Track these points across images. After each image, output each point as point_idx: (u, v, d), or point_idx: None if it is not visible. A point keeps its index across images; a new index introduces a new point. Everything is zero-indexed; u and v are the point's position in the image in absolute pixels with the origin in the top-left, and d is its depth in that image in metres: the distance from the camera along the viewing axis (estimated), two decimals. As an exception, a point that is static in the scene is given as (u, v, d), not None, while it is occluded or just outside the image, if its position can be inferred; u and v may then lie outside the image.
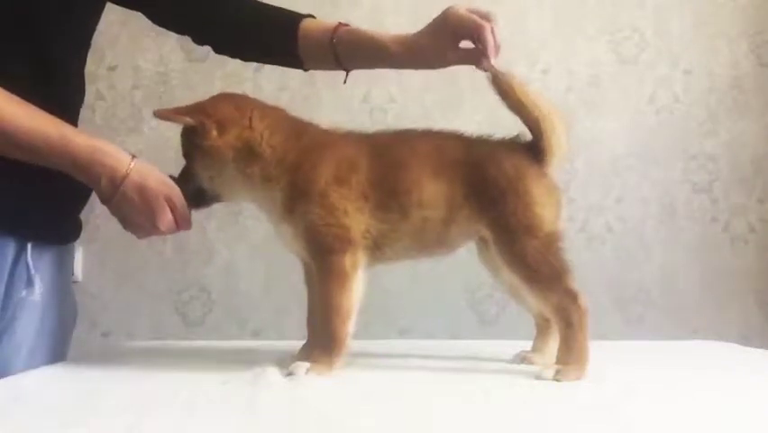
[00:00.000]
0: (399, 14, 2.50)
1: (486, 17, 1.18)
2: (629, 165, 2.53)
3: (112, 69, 2.47)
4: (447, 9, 1.21)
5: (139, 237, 1.21)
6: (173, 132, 2.64)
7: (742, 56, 2.56)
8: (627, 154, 2.53)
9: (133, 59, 2.48)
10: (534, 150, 1.14)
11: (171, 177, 1.17)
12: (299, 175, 1.10)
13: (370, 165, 1.12)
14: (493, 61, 1.16)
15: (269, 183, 1.12)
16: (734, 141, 2.56)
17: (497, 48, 1.16)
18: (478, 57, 1.17)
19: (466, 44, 1.20)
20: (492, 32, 1.16)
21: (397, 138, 1.18)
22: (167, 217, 1.14)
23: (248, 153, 1.11)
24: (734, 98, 2.56)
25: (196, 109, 1.13)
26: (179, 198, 1.15)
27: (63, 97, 1.22)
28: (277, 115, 1.16)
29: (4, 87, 1.09)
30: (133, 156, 1.14)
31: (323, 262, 1.10)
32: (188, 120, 1.12)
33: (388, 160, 1.13)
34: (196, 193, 1.17)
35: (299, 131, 1.15)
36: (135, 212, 1.13)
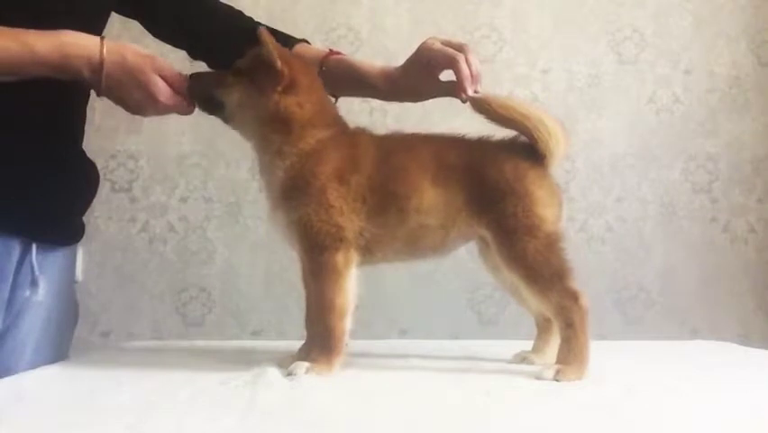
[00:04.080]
0: (399, 15, 2.50)
1: (459, 48, 1.18)
2: (629, 165, 2.53)
3: (112, 69, 2.47)
4: (421, 44, 1.22)
5: (147, 116, 1.20)
6: (173, 132, 2.65)
7: (742, 56, 2.56)
8: (627, 154, 2.53)
9: (133, 59, 2.48)
10: (534, 150, 1.14)
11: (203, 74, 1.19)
12: (305, 165, 1.10)
13: (373, 168, 1.12)
14: (471, 91, 1.16)
15: (277, 157, 1.12)
16: (734, 141, 2.56)
17: (474, 77, 1.16)
18: (456, 88, 1.17)
19: (450, 74, 1.19)
20: (467, 62, 1.16)
21: (401, 143, 1.18)
22: (162, 87, 1.13)
23: (281, 123, 1.11)
24: (734, 98, 2.56)
25: (289, 59, 1.12)
26: (165, 63, 1.15)
27: (69, 97, 1.23)
28: (326, 109, 1.16)
29: (9, 87, 1.10)
30: (102, 38, 1.12)
31: (315, 259, 1.10)
32: (278, 62, 1.09)
33: (390, 164, 1.13)
34: (209, 97, 1.15)
35: (326, 121, 1.15)
36: (129, 91, 1.13)
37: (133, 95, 1.13)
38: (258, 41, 1.10)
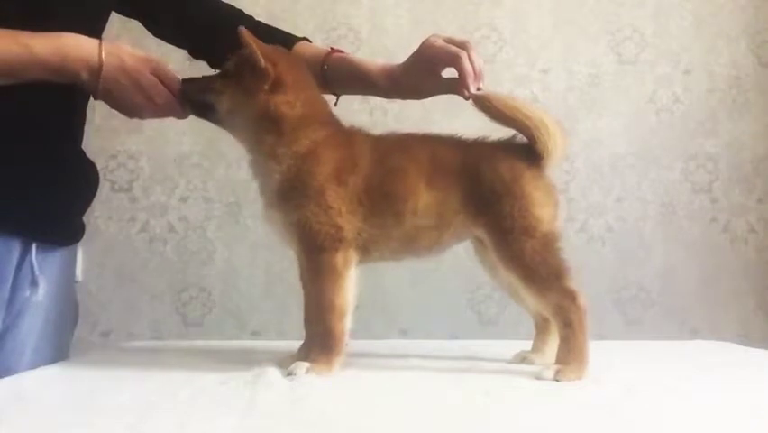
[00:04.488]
0: (399, 15, 2.50)
1: (462, 45, 1.18)
2: (629, 165, 2.53)
3: (112, 68, 2.47)
4: (424, 41, 1.22)
5: (143, 118, 1.20)
6: (173, 132, 2.65)
7: (742, 56, 2.57)
8: (627, 154, 2.53)
9: (133, 59, 2.48)
10: (531, 150, 1.14)
11: (194, 79, 1.18)
12: (302, 166, 1.10)
13: (369, 169, 1.12)
14: (474, 88, 1.16)
15: (272, 159, 1.11)
16: (734, 141, 2.56)
17: (477, 74, 1.17)
18: (458, 85, 1.17)
19: (452, 72, 1.20)
20: (470, 59, 1.16)
21: (398, 143, 1.17)
22: (160, 89, 1.14)
23: (272, 123, 1.10)
24: (734, 98, 2.56)
25: (273, 57, 1.10)
26: (161, 65, 1.15)
27: (69, 97, 1.23)
28: (318, 108, 1.16)
29: (10, 87, 1.10)
30: (100, 40, 1.12)
31: (314, 260, 1.10)
32: (261, 60, 1.08)
33: (387, 166, 1.13)
34: (201, 104, 1.15)
35: (320, 121, 1.14)
36: (128, 93, 1.13)
37: (131, 97, 1.13)
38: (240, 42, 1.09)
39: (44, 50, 1.08)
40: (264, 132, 1.11)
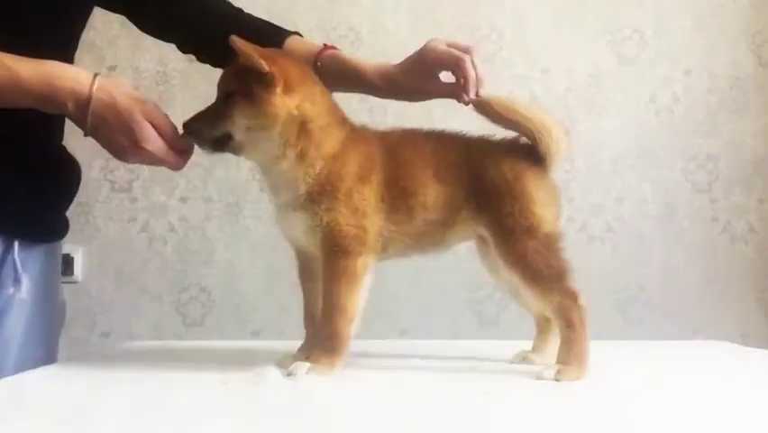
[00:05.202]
0: (399, 15, 2.50)
1: (465, 50, 1.18)
2: (629, 165, 2.53)
3: (112, 68, 2.47)
4: (426, 43, 1.21)
5: (129, 162, 1.14)
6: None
7: (742, 56, 2.56)
8: (627, 154, 2.53)
9: (133, 59, 2.48)
10: (534, 150, 1.14)
11: (196, 116, 1.09)
12: (334, 167, 1.08)
13: (385, 165, 1.12)
14: (473, 94, 1.16)
15: (301, 163, 1.07)
16: (734, 141, 2.56)
17: (478, 80, 1.16)
18: (458, 90, 1.17)
19: (449, 76, 1.19)
20: (472, 64, 1.16)
21: (403, 138, 1.17)
22: (150, 134, 1.06)
23: (298, 126, 1.06)
24: (734, 98, 2.56)
25: (269, 56, 1.05)
26: (157, 110, 1.09)
27: None
28: (332, 104, 1.13)
29: None
30: (95, 74, 1.07)
31: (334, 263, 1.09)
32: (263, 64, 1.02)
33: (398, 160, 1.13)
34: (221, 138, 1.07)
35: (339, 120, 1.12)
36: (114, 133, 1.06)
37: (118, 138, 1.07)
38: (233, 51, 1.03)
39: (29, 75, 1.03)
40: (291, 136, 1.07)
